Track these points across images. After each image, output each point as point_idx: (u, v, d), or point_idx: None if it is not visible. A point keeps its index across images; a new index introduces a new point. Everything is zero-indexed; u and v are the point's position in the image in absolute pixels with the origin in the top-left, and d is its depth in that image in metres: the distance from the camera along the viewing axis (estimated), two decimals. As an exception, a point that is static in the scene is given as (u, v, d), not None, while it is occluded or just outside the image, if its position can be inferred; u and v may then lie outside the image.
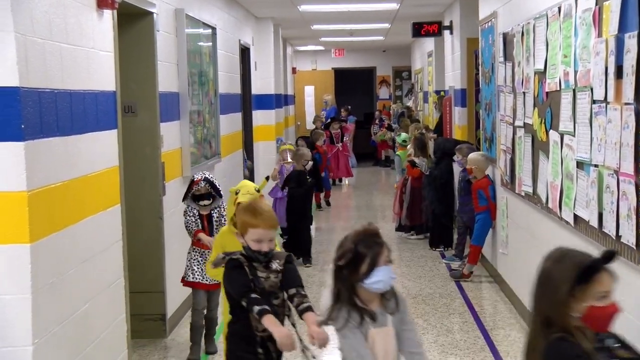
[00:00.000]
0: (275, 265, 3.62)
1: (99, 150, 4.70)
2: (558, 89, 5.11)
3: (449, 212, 9.30)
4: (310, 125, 20.44)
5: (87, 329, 4.45)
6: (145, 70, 5.99)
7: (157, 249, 6.14)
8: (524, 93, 6.20)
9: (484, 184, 7.74)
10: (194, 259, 5.61)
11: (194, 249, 5.61)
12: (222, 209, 5.59)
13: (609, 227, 4.11)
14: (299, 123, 20.66)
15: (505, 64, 7.02)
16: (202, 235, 5.50)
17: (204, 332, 5.76)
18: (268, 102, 12.77)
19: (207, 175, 5.55)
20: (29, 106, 3.67)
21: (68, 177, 4.17)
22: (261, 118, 12.50)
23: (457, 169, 8.89)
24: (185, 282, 5.66)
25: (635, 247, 3.80)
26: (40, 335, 3.77)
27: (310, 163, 9.29)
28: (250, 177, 10.70)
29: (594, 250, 4.43)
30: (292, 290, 3.60)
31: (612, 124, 4.03)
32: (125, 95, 5.52)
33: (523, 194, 6.29)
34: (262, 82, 12.58)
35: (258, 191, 4.58)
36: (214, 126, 8.14)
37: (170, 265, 6.32)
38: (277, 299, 3.63)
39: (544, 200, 5.56)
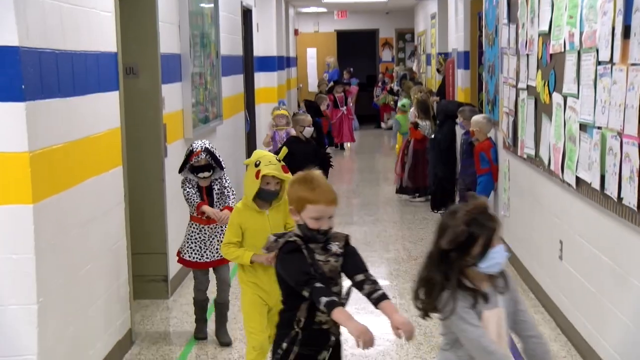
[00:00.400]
0: (335, 247, 3.22)
1: (101, 112, 4.69)
2: (562, 50, 5.07)
3: (451, 174, 9.30)
4: (312, 88, 20.38)
5: (90, 289, 4.48)
6: (147, 31, 5.95)
7: (159, 211, 6.16)
8: (527, 55, 6.16)
9: (486, 147, 7.73)
10: (192, 236, 5.16)
11: (193, 224, 5.17)
12: (224, 181, 5.22)
13: (611, 190, 4.11)
14: (301, 85, 20.59)
15: (509, 26, 6.96)
16: (207, 208, 5.09)
17: (217, 319, 5.25)
18: (270, 64, 12.71)
19: (207, 145, 5.07)
20: (29, 66, 3.65)
21: (70, 139, 4.16)
22: (263, 80, 12.45)
23: (459, 131, 8.87)
24: (181, 259, 5.24)
25: (636, 209, 3.80)
26: (44, 294, 3.80)
27: (311, 130, 8.25)
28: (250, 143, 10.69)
29: (594, 214, 4.45)
30: (360, 277, 3.18)
31: (617, 85, 4.01)
32: (126, 57, 5.49)
33: (525, 156, 6.28)
34: (264, 44, 12.50)
35: (279, 161, 4.11)
36: (215, 88, 8.11)
37: (172, 227, 6.35)
38: (336, 285, 3.19)
39: (546, 162, 5.55)
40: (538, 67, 5.80)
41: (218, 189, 5.20)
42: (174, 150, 6.47)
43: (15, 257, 3.69)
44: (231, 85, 9.28)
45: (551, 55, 5.40)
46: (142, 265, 5.96)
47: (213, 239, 5.15)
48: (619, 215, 4.05)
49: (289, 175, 3.95)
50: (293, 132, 8.31)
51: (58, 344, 3.99)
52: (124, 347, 5.06)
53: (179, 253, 5.28)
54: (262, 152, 4.24)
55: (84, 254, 4.38)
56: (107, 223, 4.80)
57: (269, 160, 4.05)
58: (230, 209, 5.03)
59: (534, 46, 5.91)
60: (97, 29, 4.65)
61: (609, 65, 4.12)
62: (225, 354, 5.06)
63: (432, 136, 9.51)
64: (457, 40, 11.04)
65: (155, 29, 5.97)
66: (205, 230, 5.15)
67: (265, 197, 4.08)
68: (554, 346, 5.05)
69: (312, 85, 21.14)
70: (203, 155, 5.01)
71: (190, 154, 5.05)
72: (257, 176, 4.01)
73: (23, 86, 3.59)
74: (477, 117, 7.87)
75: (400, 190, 10.32)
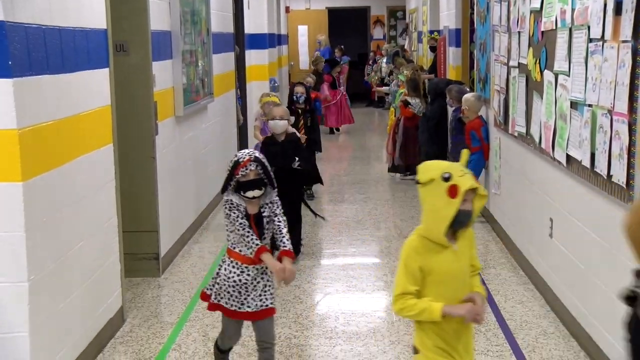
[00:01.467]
0: None
1: (91, 89, 4.67)
2: (554, 27, 5.06)
3: (441, 152, 9.30)
4: (304, 65, 20.27)
5: (81, 267, 4.48)
6: (137, 8, 5.90)
7: (150, 189, 6.14)
8: (519, 33, 6.15)
9: (476, 125, 7.74)
10: (231, 278, 3.90)
11: (233, 262, 3.92)
12: (275, 206, 3.95)
13: (601, 167, 4.13)
14: (292, 63, 20.50)
15: (500, 3, 6.94)
16: (269, 260, 3.83)
17: None
18: (261, 41, 12.65)
19: (257, 155, 3.88)
20: (15, 42, 3.61)
21: (60, 116, 4.14)
22: (254, 58, 12.39)
23: (450, 109, 8.87)
24: (213, 305, 4.00)
25: (625, 186, 3.82)
26: (35, 272, 3.80)
27: (282, 123, 6.30)
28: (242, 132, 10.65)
29: (584, 191, 4.47)
30: None
31: (607, 62, 4.01)
32: (116, 34, 5.45)
33: (516, 134, 6.29)
34: (255, 22, 12.43)
35: None
36: (206, 66, 8.07)
37: (164, 205, 6.34)
38: None
39: (537, 140, 5.56)
40: (529, 45, 5.80)
41: (268, 218, 3.93)
42: (164, 128, 6.45)
43: (5, 235, 3.68)
44: (222, 63, 9.24)
45: (542, 32, 5.39)
46: (133, 243, 5.96)
47: (258, 282, 3.93)
48: (608, 192, 4.07)
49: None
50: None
51: (49, 322, 3.99)
52: (116, 325, 5.07)
53: (207, 296, 4.03)
54: (437, 162, 3.03)
55: (75, 232, 4.38)
56: (98, 201, 4.79)
57: (459, 170, 2.93)
58: (290, 255, 3.91)
59: (526, 23, 5.90)
60: (86, 5, 4.61)
61: (600, 43, 4.12)
62: (216, 331, 5.08)
63: (422, 114, 9.51)
64: (448, 17, 11.01)
65: (145, 5, 5.93)
66: (249, 271, 3.92)
67: (462, 221, 2.93)
68: (543, 323, 5.10)
69: (304, 62, 21.06)
70: (252, 167, 3.79)
71: (235, 165, 3.82)
72: (454, 194, 2.87)
73: (10, 62, 3.56)
74: (467, 96, 7.88)
75: (393, 168, 10.33)
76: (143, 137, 6.05)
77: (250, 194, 3.81)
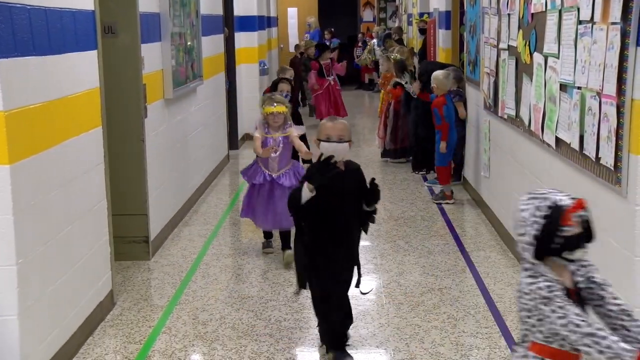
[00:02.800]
0: None
1: (79, 71, 4.64)
2: (544, 9, 5.06)
3: (432, 135, 9.30)
4: (293, 48, 20.14)
5: (71, 251, 4.47)
6: (125, -11, 5.86)
7: (139, 172, 6.13)
8: (509, 15, 6.14)
9: (439, 103, 7.91)
10: None
11: None
12: (593, 270, 2.82)
13: (590, 150, 4.14)
14: (282, 46, 20.42)
15: (490, -15, 6.92)
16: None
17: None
18: (250, 23, 12.57)
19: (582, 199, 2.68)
20: None
21: (48, 98, 4.11)
22: (244, 40, 12.33)
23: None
24: None
25: (613, 169, 3.83)
26: (23, 255, 3.79)
27: (345, 148, 4.34)
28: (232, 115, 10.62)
29: (573, 174, 4.48)
30: None
31: (597, 45, 4.01)
32: (104, 15, 5.41)
33: (506, 116, 6.30)
34: (244, 3, 12.36)
35: None
36: (196, 48, 8.03)
37: (153, 188, 6.33)
38: None
39: (526, 123, 5.56)
40: (519, 27, 5.79)
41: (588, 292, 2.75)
42: (153, 111, 6.42)
43: (-8, 217, 3.67)
44: (211, 45, 9.19)
45: (532, 14, 5.38)
46: (123, 226, 5.94)
47: None
48: (596, 175, 4.08)
49: None
50: (295, 134, 5.97)
51: (38, 305, 3.99)
52: (106, 309, 5.07)
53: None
54: None
55: (64, 215, 4.36)
56: (87, 184, 4.77)
57: None
58: None
59: (516, 5, 5.89)
60: (73, -13, 4.57)
61: (590, 25, 4.12)
62: (206, 314, 5.09)
63: (416, 95, 9.53)
64: (438, 0, 10.98)
65: (133, -13, 5.89)
66: None
67: None
68: (532, 304, 5.12)
69: (294, 45, 20.98)
70: (581, 214, 2.62)
71: (558, 214, 2.59)
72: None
73: (-3, 44, 3.53)
74: (436, 73, 8.07)
75: (385, 153, 10.31)
76: (132, 119, 6.02)
77: (578, 254, 2.64)
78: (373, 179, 4.25)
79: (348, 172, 4.30)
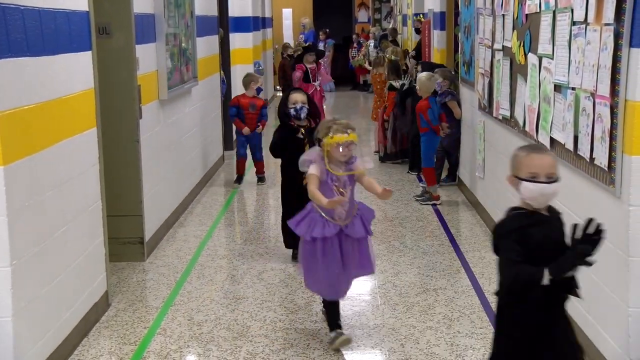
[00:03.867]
0: None
1: (74, 72, 4.63)
2: (538, 10, 5.07)
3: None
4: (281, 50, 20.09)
5: (65, 252, 4.46)
6: (119, -10, 5.86)
7: (134, 173, 6.12)
8: (503, 15, 6.15)
9: (423, 107, 8.01)
10: None
11: None
12: None
13: (584, 150, 4.15)
14: (277, 46, 20.42)
15: (485, -14, 6.93)
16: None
17: None
18: (245, 24, 12.58)
19: None
20: (-6, 23, 3.57)
21: (42, 99, 4.11)
22: (239, 41, 12.33)
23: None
24: None
25: (607, 169, 3.84)
26: (17, 256, 3.78)
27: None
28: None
29: (567, 174, 4.49)
30: None
31: (590, 45, 4.02)
32: (99, 16, 5.40)
33: (500, 117, 6.31)
34: (239, 4, 12.36)
35: None
36: (190, 49, 8.03)
37: (148, 189, 6.32)
38: None
39: (521, 123, 5.57)
40: (514, 28, 5.80)
41: None
42: (148, 111, 6.42)
43: (-13, 219, 3.66)
44: (206, 46, 9.19)
45: (527, 15, 5.39)
46: (118, 227, 5.94)
47: None
48: (590, 175, 4.09)
49: None
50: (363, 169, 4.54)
51: (33, 307, 3.98)
52: (100, 310, 5.07)
53: None
54: None
55: (58, 216, 4.35)
56: (82, 185, 4.76)
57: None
58: None
59: (510, 6, 5.90)
60: (67, -12, 4.56)
61: (584, 25, 4.13)
62: (201, 315, 5.09)
63: (406, 87, 9.57)
64: (433, 0, 10.99)
65: (127, -12, 5.88)
66: None
67: None
68: (527, 305, 5.13)
69: (291, 45, 20.98)
70: None
71: None
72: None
73: (-9, 45, 3.52)
74: (419, 75, 8.19)
75: (385, 157, 10.27)
76: (127, 120, 6.01)
77: None
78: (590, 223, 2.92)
79: (554, 220, 3.14)
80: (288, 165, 5.80)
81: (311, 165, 4.40)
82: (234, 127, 9.14)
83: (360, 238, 4.45)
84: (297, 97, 5.72)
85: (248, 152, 9.00)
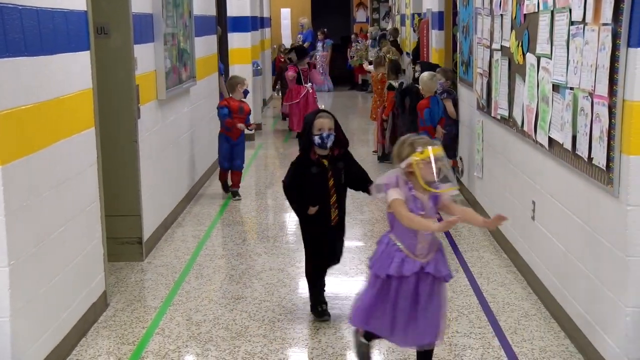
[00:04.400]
0: None
1: (72, 72, 4.63)
2: (536, 10, 5.07)
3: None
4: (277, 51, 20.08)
5: (63, 252, 4.46)
6: (117, -11, 5.86)
7: (132, 173, 6.12)
8: (501, 15, 6.15)
9: (422, 106, 8.03)
10: None
11: None
12: None
13: (582, 150, 4.15)
14: (275, 46, 20.42)
15: (483, -14, 6.93)
16: None
17: None
18: (244, 24, 12.57)
19: None
20: (-8, 23, 3.57)
21: (40, 99, 4.10)
22: (237, 41, 12.33)
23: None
24: None
25: (605, 169, 3.84)
26: (15, 256, 3.77)
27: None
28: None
29: (566, 174, 4.49)
30: None
31: (588, 45, 4.02)
32: (97, 16, 5.40)
33: (499, 117, 6.31)
34: (238, 4, 12.35)
35: None
36: (189, 49, 8.02)
37: (146, 189, 6.32)
38: None
39: (519, 123, 5.57)
40: (512, 28, 5.80)
41: None
42: (147, 112, 6.41)
43: (-16, 219, 3.66)
44: (204, 46, 9.19)
45: (525, 15, 5.39)
46: (116, 227, 5.94)
47: None
48: (589, 175, 4.09)
49: None
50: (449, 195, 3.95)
51: (30, 307, 3.97)
52: (99, 310, 5.06)
53: None
54: None
55: (56, 216, 4.35)
56: (80, 185, 4.76)
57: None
58: None
59: (508, 6, 5.90)
60: (65, -12, 4.56)
61: (582, 25, 4.13)
62: (199, 315, 5.09)
63: (405, 86, 9.58)
64: (431, 0, 10.99)
65: (126, -13, 5.88)
66: None
67: None
68: (525, 305, 5.13)
69: (287, 46, 20.98)
70: None
71: None
72: None
73: (-12, 45, 3.52)
74: (422, 75, 8.20)
75: (384, 157, 10.27)
76: (125, 120, 6.01)
77: None
78: None
79: None
80: (308, 209, 4.85)
81: (390, 190, 3.75)
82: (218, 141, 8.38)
83: (444, 276, 3.83)
84: (324, 123, 4.74)
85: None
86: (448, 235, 6.82)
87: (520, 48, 5.52)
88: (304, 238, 5.04)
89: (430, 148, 3.70)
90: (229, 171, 8.40)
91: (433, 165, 3.66)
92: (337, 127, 4.82)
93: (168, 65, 7.01)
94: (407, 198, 3.73)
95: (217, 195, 8.62)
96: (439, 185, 3.72)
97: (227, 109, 8.22)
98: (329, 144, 4.76)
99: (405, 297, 3.78)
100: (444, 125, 8.11)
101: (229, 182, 8.43)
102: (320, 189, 4.68)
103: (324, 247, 4.96)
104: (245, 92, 8.45)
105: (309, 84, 12.12)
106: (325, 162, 4.82)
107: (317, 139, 4.73)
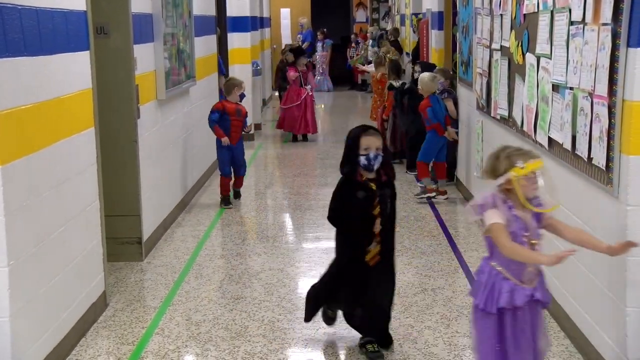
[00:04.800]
0: None
1: (72, 72, 4.63)
2: (536, 10, 5.07)
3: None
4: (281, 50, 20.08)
5: (63, 252, 4.46)
6: (117, -11, 5.86)
7: (132, 173, 6.12)
8: (501, 15, 6.15)
9: (423, 106, 8.04)
10: None
11: None
12: None
13: (582, 150, 4.15)
14: (274, 46, 20.42)
15: (483, -14, 6.93)
16: None
17: None
18: (243, 24, 12.57)
19: None
20: (-9, 23, 3.57)
21: (39, 99, 4.10)
22: (237, 41, 12.33)
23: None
24: None
25: (604, 169, 3.84)
26: (15, 256, 3.77)
27: None
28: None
29: (565, 174, 4.49)
30: None
31: (588, 45, 4.02)
32: (96, 16, 5.40)
33: (498, 117, 6.31)
34: (237, 4, 12.35)
35: None
36: (188, 49, 8.02)
37: (146, 189, 6.32)
38: None
39: (519, 123, 5.57)
40: (512, 28, 5.80)
41: None
42: (146, 112, 6.41)
43: (-16, 219, 3.65)
44: (204, 46, 9.19)
45: (525, 15, 5.39)
46: (116, 227, 5.93)
47: None
48: (588, 175, 4.10)
49: None
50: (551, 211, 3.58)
51: (30, 307, 3.97)
52: (98, 310, 5.06)
53: None
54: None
55: (56, 216, 4.35)
56: (80, 185, 4.76)
57: None
58: None
59: (508, 6, 5.90)
60: (65, -12, 4.56)
61: (581, 25, 4.13)
62: (199, 315, 5.09)
63: (407, 86, 9.58)
64: (431, 0, 10.99)
65: (125, -13, 5.88)
66: None
67: None
68: (525, 304, 5.13)
69: (284, 46, 21.00)
70: None
71: None
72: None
73: (-13, 45, 3.52)
74: (422, 75, 8.19)
75: None
76: (125, 120, 6.01)
77: None
78: None
79: None
80: (351, 238, 4.38)
81: (488, 212, 3.33)
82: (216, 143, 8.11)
83: (548, 302, 3.51)
84: (372, 142, 4.25)
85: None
86: (447, 235, 6.82)
87: (520, 48, 5.52)
88: (334, 265, 4.53)
89: (532, 161, 3.30)
90: (235, 177, 8.18)
91: (539, 181, 3.28)
92: (385, 149, 4.33)
93: (168, 65, 7.01)
94: (508, 219, 3.31)
95: (217, 195, 8.61)
96: (541, 201, 3.37)
97: (219, 114, 7.89)
98: (376, 165, 4.23)
99: (523, 329, 3.34)
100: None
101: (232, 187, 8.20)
102: (363, 217, 4.10)
103: (350, 286, 4.28)
104: (242, 96, 8.30)
105: (309, 86, 12.01)
106: (374, 185, 4.25)
107: (363, 160, 4.22)
